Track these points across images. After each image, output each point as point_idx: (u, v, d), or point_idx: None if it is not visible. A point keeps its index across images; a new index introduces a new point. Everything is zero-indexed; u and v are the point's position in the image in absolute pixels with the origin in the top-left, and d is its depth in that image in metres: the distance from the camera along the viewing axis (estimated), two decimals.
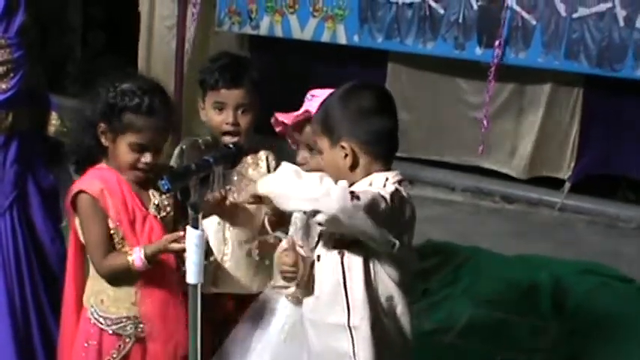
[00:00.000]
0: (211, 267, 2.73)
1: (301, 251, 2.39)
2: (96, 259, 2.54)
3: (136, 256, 2.45)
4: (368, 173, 2.25)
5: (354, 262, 2.23)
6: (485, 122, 6.15)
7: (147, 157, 2.51)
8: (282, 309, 2.69)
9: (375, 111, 2.26)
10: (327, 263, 2.29)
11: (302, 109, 2.59)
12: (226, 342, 2.83)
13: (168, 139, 2.61)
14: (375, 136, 2.24)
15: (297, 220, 2.66)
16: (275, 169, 2.90)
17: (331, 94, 2.33)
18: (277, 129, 2.73)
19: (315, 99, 2.56)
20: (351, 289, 2.23)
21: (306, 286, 2.37)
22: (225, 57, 3.01)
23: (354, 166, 2.24)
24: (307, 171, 2.51)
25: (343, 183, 2.08)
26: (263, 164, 2.96)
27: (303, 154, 2.62)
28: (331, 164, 2.27)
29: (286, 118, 2.65)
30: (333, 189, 2.04)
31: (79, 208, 2.53)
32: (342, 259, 2.24)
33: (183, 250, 2.25)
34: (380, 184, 2.21)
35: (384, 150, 2.28)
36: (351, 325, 2.24)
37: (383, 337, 2.26)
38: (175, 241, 2.39)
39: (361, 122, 2.23)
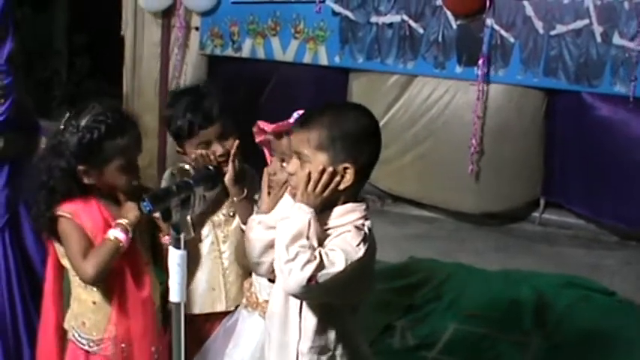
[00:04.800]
0: None
1: None
2: (79, 265, 2.55)
3: (116, 232, 2.52)
4: (346, 198, 2.24)
5: None
6: (474, 141, 6.21)
7: (134, 174, 2.61)
8: (255, 326, 2.72)
9: (375, 135, 2.26)
10: None
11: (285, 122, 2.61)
12: (196, 358, 2.88)
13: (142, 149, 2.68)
14: (371, 162, 2.25)
15: None
16: None
17: (328, 111, 2.26)
18: (258, 138, 2.74)
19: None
20: (304, 318, 2.27)
21: None
22: (186, 95, 2.97)
23: (346, 189, 2.21)
24: (275, 183, 2.57)
25: (309, 269, 2.06)
26: None
27: (275, 165, 2.65)
28: None
29: (267, 126, 2.67)
30: (294, 272, 2.07)
31: (59, 230, 2.58)
32: None
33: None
34: (358, 222, 2.21)
35: (368, 176, 2.29)
36: (299, 349, 2.28)
37: None
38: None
39: (365, 147, 2.21)
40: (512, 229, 6.50)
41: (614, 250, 6.05)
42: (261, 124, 2.70)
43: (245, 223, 2.80)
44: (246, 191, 2.86)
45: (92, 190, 2.60)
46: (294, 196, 2.24)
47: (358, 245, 2.14)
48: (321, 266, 2.07)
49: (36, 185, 2.59)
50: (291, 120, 2.61)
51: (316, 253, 2.09)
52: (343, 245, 2.14)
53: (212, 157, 2.83)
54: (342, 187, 2.20)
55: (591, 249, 6.08)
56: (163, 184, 2.92)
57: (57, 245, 2.65)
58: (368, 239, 2.18)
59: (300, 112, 2.58)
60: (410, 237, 6.07)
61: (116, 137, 2.53)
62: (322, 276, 2.07)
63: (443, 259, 5.57)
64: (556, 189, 6.34)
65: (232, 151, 2.82)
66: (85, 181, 2.56)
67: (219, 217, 2.96)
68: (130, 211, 2.56)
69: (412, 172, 6.52)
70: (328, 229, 2.22)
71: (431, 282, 5.10)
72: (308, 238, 2.11)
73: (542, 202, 6.48)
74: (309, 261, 2.07)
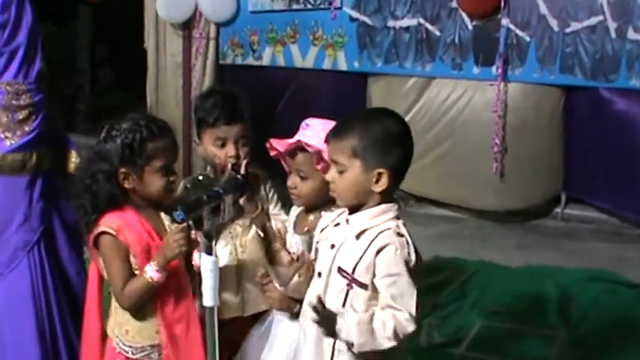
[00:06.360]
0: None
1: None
2: (117, 292, 2.62)
3: (151, 271, 2.57)
4: (380, 200, 2.35)
5: (359, 296, 2.33)
6: (497, 141, 6.27)
7: (173, 177, 2.68)
8: (287, 330, 2.79)
9: (406, 139, 2.36)
10: (331, 285, 2.39)
11: (295, 138, 2.70)
12: None
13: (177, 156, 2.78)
14: (404, 164, 2.36)
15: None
16: None
17: (358, 120, 2.38)
18: (272, 153, 2.83)
19: (309, 128, 2.69)
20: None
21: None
22: (217, 93, 3.10)
23: (382, 192, 2.33)
24: (296, 196, 2.72)
25: (391, 327, 2.24)
26: None
27: (293, 179, 2.75)
28: (355, 185, 2.33)
29: (279, 144, 2.76)
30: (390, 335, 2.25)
31: (101, 247, 2.64)
32: (348, 290, 2.34)
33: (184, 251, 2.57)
34: (391, 224, 2.33)
35: (402, 178, 2.39)
36: (336, 346, 2.36)
37: None
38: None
39: (395, 151, 2.32)
40: (535, 226, 6.54)
41: (637, 243, 6.06)
42: (274, 142, 2.78)
43: (263, 231, 2.96)
44: (260, 207, 2.96)
45: (130, 199, 2.68)
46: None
47: (409, 254, 2.32)
48: (400, 327, 2.26)
49: (79, 191, 2.67)
50: (301, 129, 2.72)
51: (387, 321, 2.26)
52: (401, 289, 2.31)
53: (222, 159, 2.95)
54: (378, 190, 2.32)
55: (614, 242, 6.11)
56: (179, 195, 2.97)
57: (99, 258, 2.71)
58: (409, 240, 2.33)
59: (309, 120, 2.73)
60: (433, 237, 6.11)
61: (156, 139, 2.63)
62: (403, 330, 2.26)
63: (467, 257, 5.62)
64: (577, 184, 6.39)
65: (245, 165, 2.94)
66: (126, 185, 2.63)
67: (236, 228, 3.05)
68: (167, 248, 2.59)
69: (434, 172, 6.58)
70: (364, 230, 2.33)
71: (456, 280, 5.15)
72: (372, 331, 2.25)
73: (563, 197, 6.53)
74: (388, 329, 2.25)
